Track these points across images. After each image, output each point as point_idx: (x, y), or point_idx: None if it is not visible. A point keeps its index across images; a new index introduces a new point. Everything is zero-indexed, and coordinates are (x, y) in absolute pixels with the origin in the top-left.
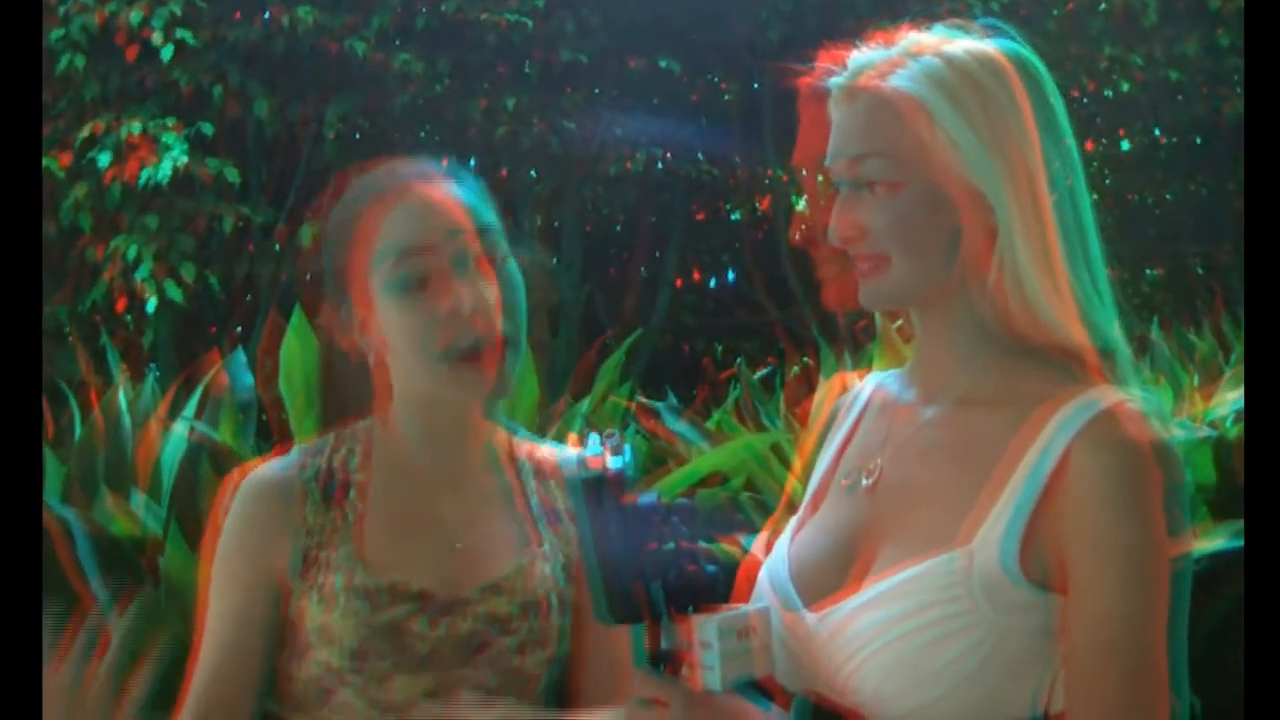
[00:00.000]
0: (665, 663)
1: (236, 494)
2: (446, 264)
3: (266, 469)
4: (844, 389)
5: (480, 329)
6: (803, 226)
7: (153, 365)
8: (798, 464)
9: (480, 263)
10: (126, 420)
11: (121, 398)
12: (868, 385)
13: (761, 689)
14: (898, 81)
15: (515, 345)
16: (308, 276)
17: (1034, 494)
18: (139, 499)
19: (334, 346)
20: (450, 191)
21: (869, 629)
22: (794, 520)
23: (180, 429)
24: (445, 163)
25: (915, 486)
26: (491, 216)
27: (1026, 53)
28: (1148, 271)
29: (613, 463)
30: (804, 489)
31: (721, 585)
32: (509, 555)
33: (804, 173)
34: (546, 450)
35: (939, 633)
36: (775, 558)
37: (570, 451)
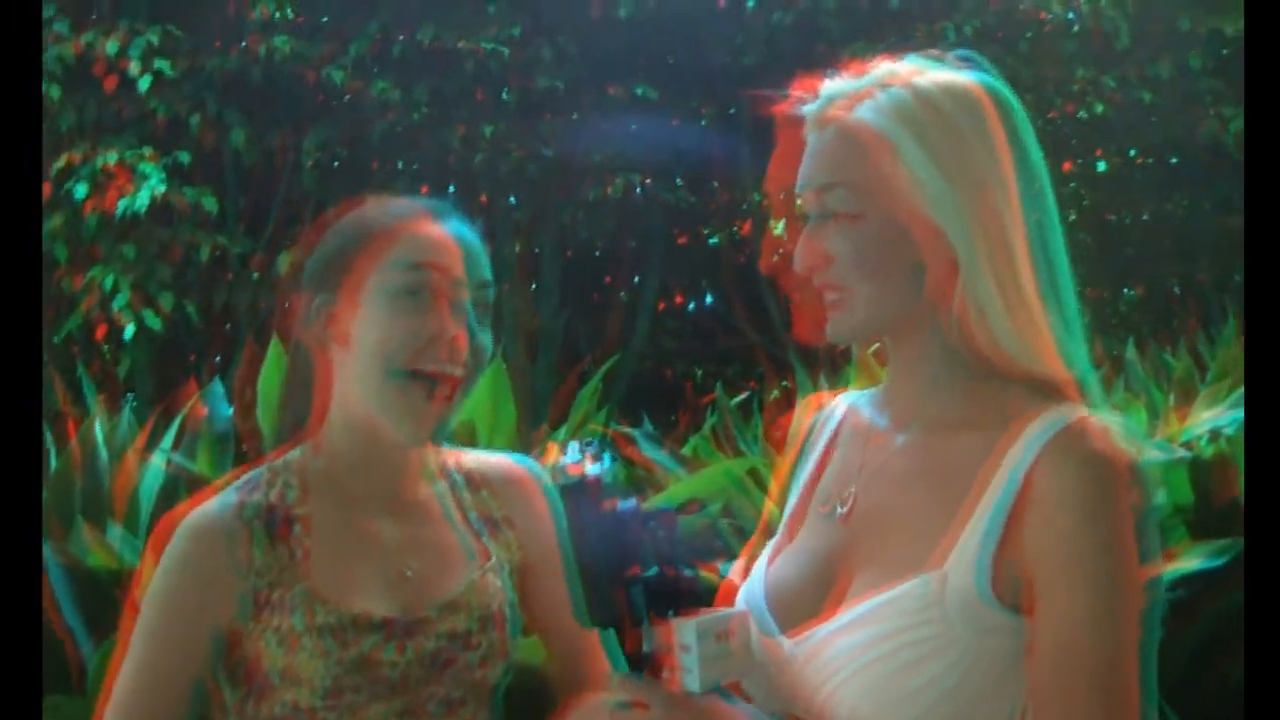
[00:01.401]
0: (645, 665)
1: (177, 535)
2: (448, 297)
3: (206, 511)
4: (819, 408)
5: (445, 364)
6: (776, 255)
7: (130, 395)
8: (774, 486)
9: (473, 310)
10: (103, 451)
11: (98, 429)
12: (841, 405)
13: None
14: (864, 113)
15: (466, 391)
16: (286, 305)
17: (1003, 513)
18: (115, 531)
19: (297, 358)
20: (469, 239)
21: (844, 653)
22: (770, 544)
23: (158, 460)
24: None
25: (889, 513)
26: (490, 274)
27: (1000, 85)
28: (1125, 291)
29: (591, 469)
30: (780, 512)
31: (701, 588)
32: (460, 571)
33: (780, 197)
34: (472, 459)
35: (913, 656)
36: (752, 582)
37: (492, 457)
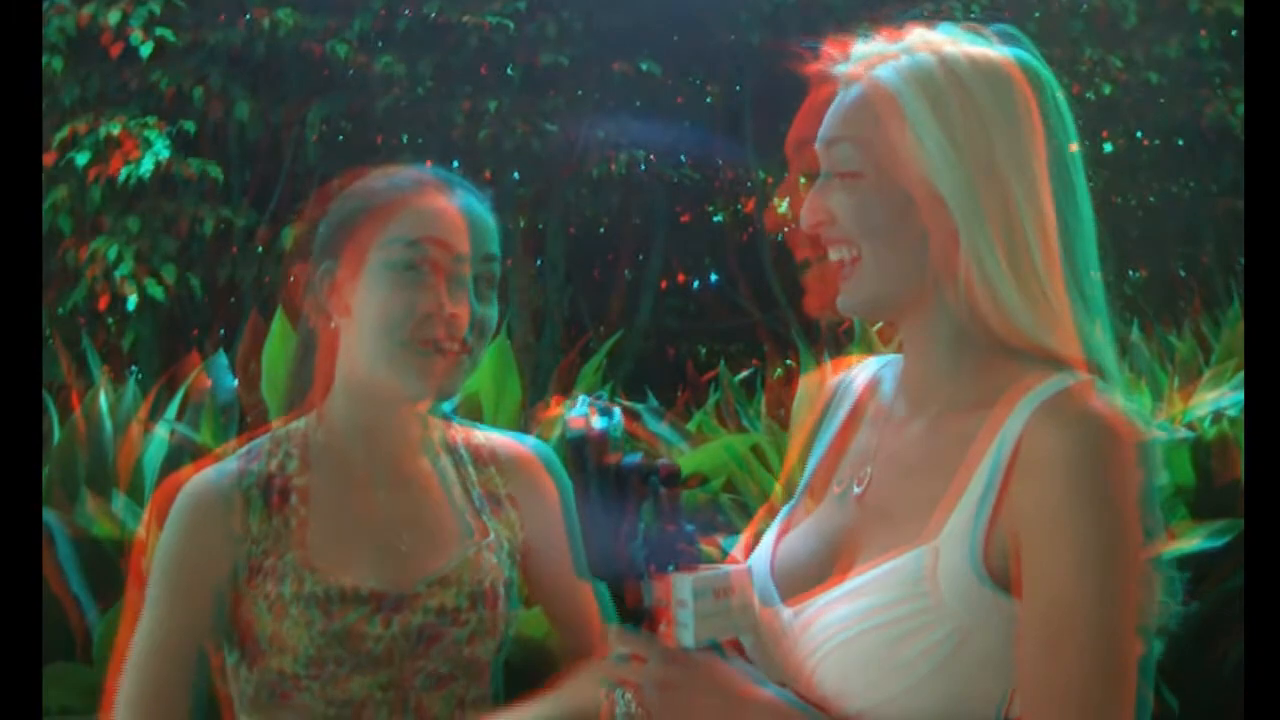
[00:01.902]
0: (644, 620)
1: (178, 501)
2: (447, 272)
3: (206, 477)
4: (841, 373)
5: (447, 334)
6: (784, 205)
7: (134, 368)
8: (793, 453)
9: (473, 284)
10: (108, 423)
11: (102, 400)
12: (864, 373)
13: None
14: (882, 73)
15: (474, 361)
16: (290, 278)
17: (995, 484)
18: (120, 500)
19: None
20: (475, 212)
21: (835, 623)
22: (781, 515)
23: (162, 431)
24: (487, 180)
25: (899, 497)
26: (497, 247)
27: (1036, 63)
28: (1130, 273)
29: (597, 423)
30: (784, 489)
31: (699, 544)
32: (454, 547)
33: (793, 152)
34: (482, 435)
35: (903, 629)
36: (760, 553)
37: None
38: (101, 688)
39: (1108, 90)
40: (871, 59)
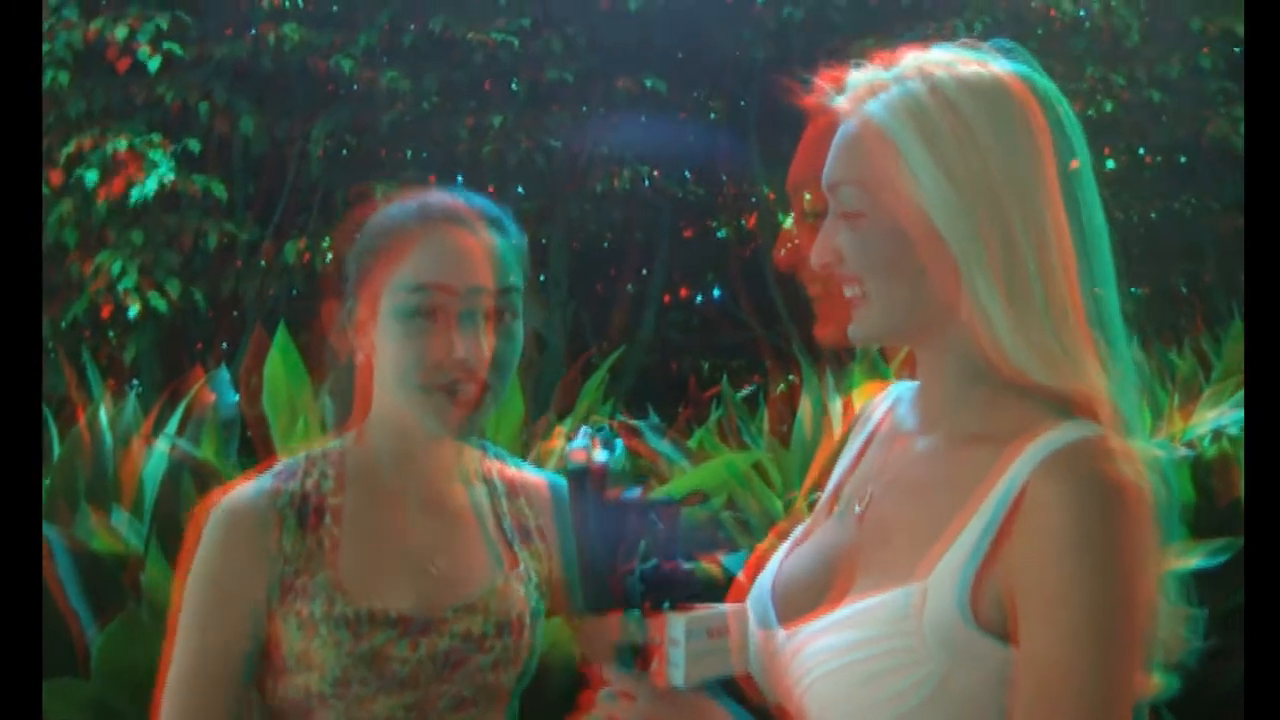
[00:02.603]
0: (637, 657)
1: (212, 519)
2: (456, 312)
3: (241, 495)
4: (871, 396)
5: (461, 376)
6: (790, 244)
7: (135, 381)
8: (814, 470)
9: (489, 318)
10: (108, 437)
11: (103, 414)
12: (889, 396)
13: (737, 692)
14: (873, 108)
15: (496, 395)
16: (294, 292)
17: (991, 531)
18: (121, 516)
19: (334, 353)
20: (490, 242)
21: (822, 652)
22: (795, 534)
23: (163, 446)
24: (495, 201)
25: (897, 519)
26: (518, 276)
27: (1040, 78)
28: (1132, 290)
29: (598, 456)
30: (787, 504)
31: (698, 582)
32: (484, 575)
33: (806, 196)
34: (514, 470)
35: (885, 665)
36: (765, 572)
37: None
38: (101, 702)
39: (1110, 108)
40: (861, 92)
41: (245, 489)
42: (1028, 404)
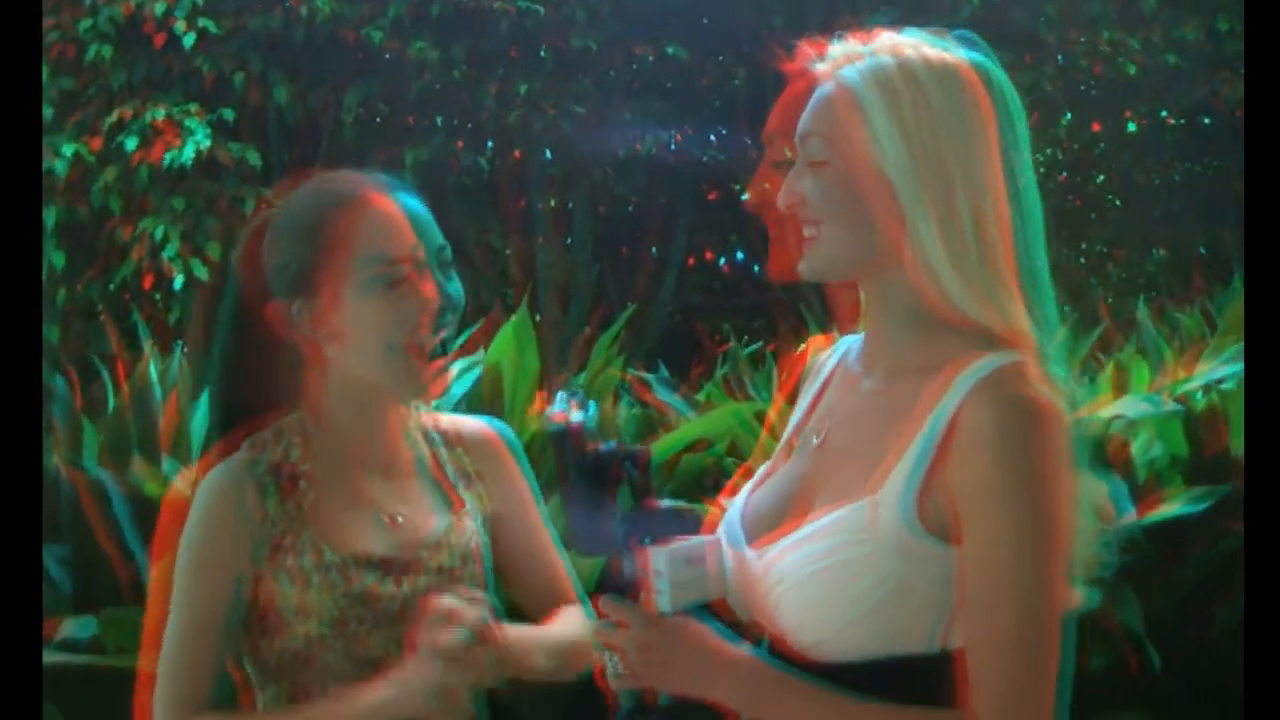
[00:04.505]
0: (627, 590)
1: (195, 497)
2: (413, 268)
3: (218, 471)
4: (820, 349)
5: (428, 336)
6: (760, 187)
7: (180, 341)
8: (771, 416)
9: (443, 269)
10: (156, 391)
11: (151, 370)
12: (839, 348)
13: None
14: (847, 73)
15: (449, 343)
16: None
17: (930, 450)
18: (167, 463)
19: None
20: (414, 206)
21: (792, 564)
22: (761, 469)
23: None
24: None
25: (850, 446)
26: (438, 233)
27: (992, 67)
28: (1153, 252)
29: (575, 417)
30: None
31: (675, 518)
32: (439, 517)
33: (768, 141)
34: (448, 420)
35: (848, 572)
36: (736, 502)
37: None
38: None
39: (1132, 71)
40: (839, 60)
41: (220, 467)
42: (959, 339)
